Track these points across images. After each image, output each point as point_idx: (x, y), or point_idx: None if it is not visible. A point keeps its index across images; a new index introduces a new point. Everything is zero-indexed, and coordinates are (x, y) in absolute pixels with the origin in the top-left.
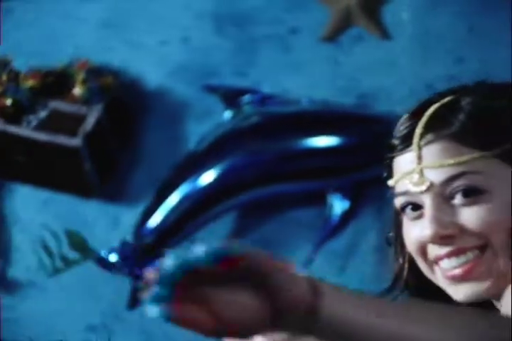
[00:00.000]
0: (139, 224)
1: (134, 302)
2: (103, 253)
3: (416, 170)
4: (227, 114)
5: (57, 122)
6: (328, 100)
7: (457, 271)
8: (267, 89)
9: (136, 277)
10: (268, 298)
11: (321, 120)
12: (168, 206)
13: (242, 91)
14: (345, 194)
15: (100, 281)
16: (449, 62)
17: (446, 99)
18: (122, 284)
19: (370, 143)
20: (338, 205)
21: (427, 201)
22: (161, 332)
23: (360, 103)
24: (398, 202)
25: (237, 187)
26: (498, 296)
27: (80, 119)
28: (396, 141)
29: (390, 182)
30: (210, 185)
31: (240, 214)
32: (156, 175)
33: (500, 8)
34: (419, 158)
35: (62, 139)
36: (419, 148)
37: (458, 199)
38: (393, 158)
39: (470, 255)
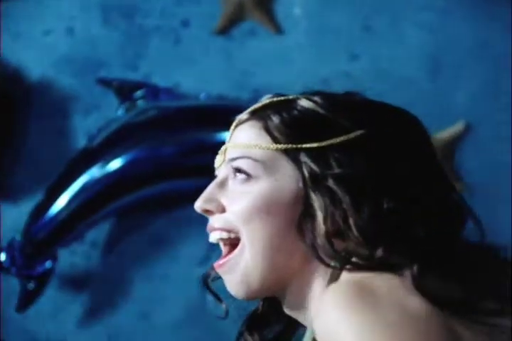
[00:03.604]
0: (28, 223)
1: (24, 304)
2: None
3: (224, 147)
4: (121, 108)
5: None
6: (223, 94)
7: (217, 263)
8: (157, 82)
9: (26, 277)
10: None
11: (217, 115)
12: (60, 203)
13: (136, 85)
14: None
15: None
16: (343, 58)
17: (287, 97)
18: (8, 285)
19: None
20: None
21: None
22: (44, 333)
23: (254, 97)
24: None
25: (132, 184)
26: (298, 308)
27: None
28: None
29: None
30: (105, 182)
31: (132, 212)
32: (40, 170)
33: (394, 7)
34: (230, 137)
35: None
36: (233, 129)
37: (230, 179)
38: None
39: (223, 234)
